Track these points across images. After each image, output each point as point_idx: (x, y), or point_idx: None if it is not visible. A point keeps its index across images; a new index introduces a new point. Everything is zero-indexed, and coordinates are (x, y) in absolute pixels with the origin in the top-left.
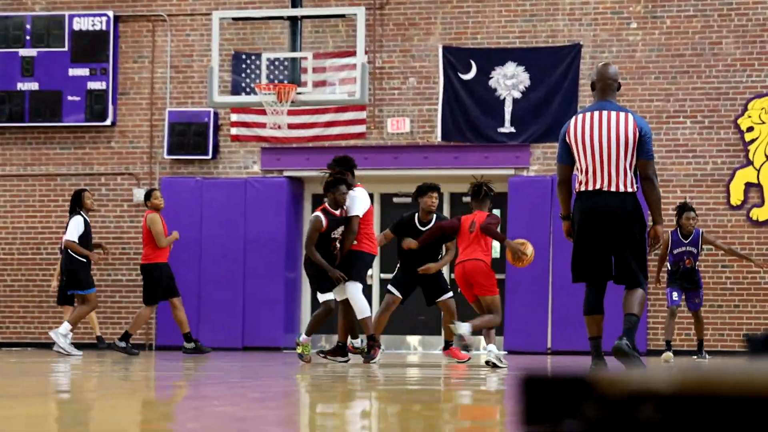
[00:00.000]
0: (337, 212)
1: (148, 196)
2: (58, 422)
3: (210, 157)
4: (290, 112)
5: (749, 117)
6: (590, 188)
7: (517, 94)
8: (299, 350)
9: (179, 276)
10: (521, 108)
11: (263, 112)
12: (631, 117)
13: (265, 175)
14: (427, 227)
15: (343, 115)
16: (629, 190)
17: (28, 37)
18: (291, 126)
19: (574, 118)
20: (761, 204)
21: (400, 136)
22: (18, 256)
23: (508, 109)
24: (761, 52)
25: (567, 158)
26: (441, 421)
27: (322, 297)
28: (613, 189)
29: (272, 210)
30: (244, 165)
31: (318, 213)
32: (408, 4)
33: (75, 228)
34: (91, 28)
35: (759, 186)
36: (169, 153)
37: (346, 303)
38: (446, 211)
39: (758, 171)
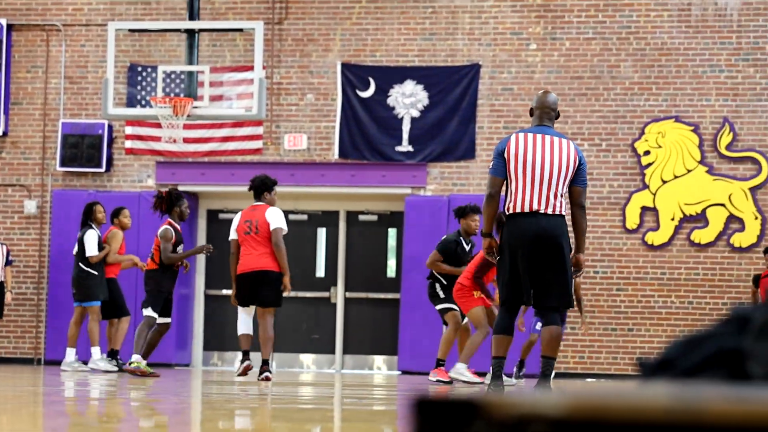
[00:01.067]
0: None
1: (116, 213)
2: None
3: (104, 169)
4: (186, 126)
5: (646, 141)
6: (525, 209)
7: (416, 113)
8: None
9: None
10: (419, 127)
11: (159, 126)
12: (571, 144)
13: (159, 189)
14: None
15: (239, 131)
16: (563, 213)
17: None
18: (186, 140)
19: (514, 135)
20: (656, 228)
21: (297, 153)
22: None
23: (406, 127)
24: (659, 76)
25: (502, 171)
26: None
27: (150, 313)
28: (549, 212)
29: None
30: (138, 178)
31: (167, 226)
32: (307, 19)
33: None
34: None
35: (655, 210)
36: (62, 165)
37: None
38: (341, 229)
39: (654, 195)
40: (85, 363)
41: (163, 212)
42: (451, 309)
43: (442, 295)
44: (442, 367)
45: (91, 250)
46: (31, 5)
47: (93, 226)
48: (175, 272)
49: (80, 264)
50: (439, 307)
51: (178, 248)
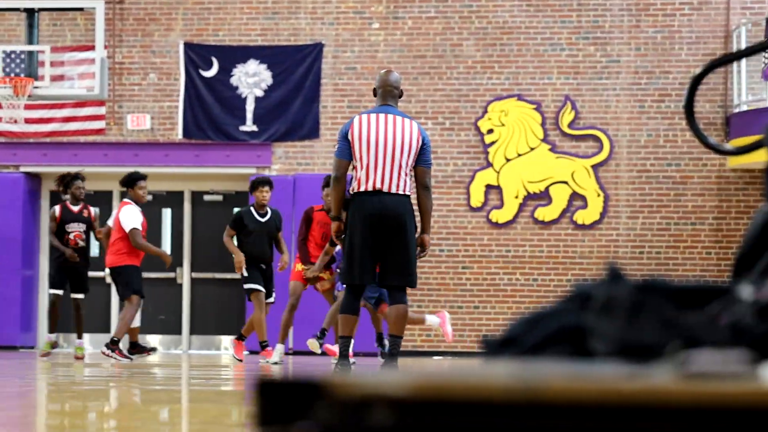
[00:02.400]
0: (76, 208)
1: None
2: None
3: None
4: (27, 107)
5: (489, 119)
6: (369, 188)
7: (260, 93)
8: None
9: None
10: (263, 106)
11: None
12: (415, 124)
13: (0, 170)
14: (265, 219)
15: (81, 111)
16: (407, 192)
17: None
18: (28, 120)
19: (357, 116)
20: (501, 206)
21: (141, 133)
22: None
23: (250, 107)
24: (501, 54)
25: (347, 154)
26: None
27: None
28: (393, 190)
29: (8, 206)
30: None
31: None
32: None
33: None
34: None
35: (498, 188)
36: None
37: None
38: (186, 209)
39: (498, 173)
40: None
41: (60, 193)
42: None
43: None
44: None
45: None
46: None
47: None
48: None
49: None
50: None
51: (67, 227)
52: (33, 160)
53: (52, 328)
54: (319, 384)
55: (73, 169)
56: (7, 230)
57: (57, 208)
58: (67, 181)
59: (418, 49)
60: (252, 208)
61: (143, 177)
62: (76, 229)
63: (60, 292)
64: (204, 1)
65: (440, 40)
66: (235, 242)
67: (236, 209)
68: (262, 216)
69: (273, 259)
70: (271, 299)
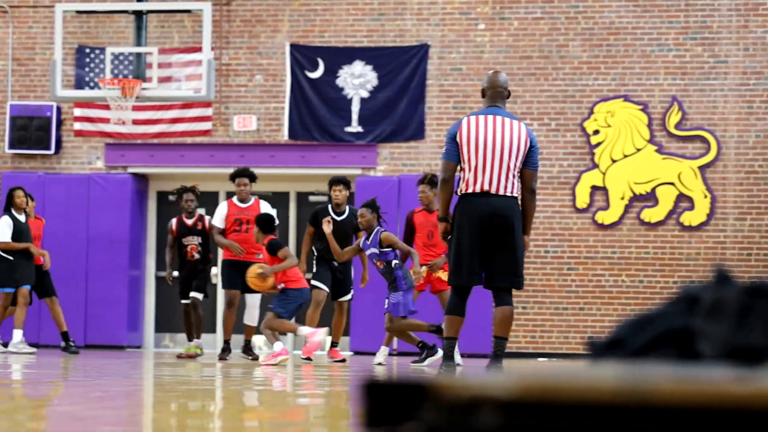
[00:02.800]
0: (189, 221)
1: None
2: None
3: (53, 152)
4: (135, 108)
5: (595, 120)
6: (477, 189)
7: (365, 94)
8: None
9: None
10: (369, 107)
11: (107, 107)
12: (523, 126)
13: (108, 171)
14: (341, 218)
15: (188, 112)
16: (515, 194)
17: None
18: (135, 122)
19: (466, 118)
20: (606, 207)
21: (247, 134)
22: None
23: (355, 108)
24: (607, 55)
25: (455, 156)
26: (284, 421)
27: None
28: (500, 192)
29: (116, 207)
30: (87, 161)
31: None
32: (255, 0)
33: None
34: None
35: (604, 189)
36: (11, 147)
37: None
38: (292, 210)
39: (604, 174)
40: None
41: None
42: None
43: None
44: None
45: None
46: None
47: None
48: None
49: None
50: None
51: (183, 240)
52: (140, 161)
53: (193, 335)
54: (426, 386)
55: (179, 171)
56: (115, 231)
57: (173, 222)
58: (179, 194)
59: (524, 50)
60: (329, 207)
61: (239, 174)
62: (191, 242)
63: (188, 301)
64: (310, 3)
65: (546, 40)
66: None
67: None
68: (339, 215)
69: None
70: (347, 297)
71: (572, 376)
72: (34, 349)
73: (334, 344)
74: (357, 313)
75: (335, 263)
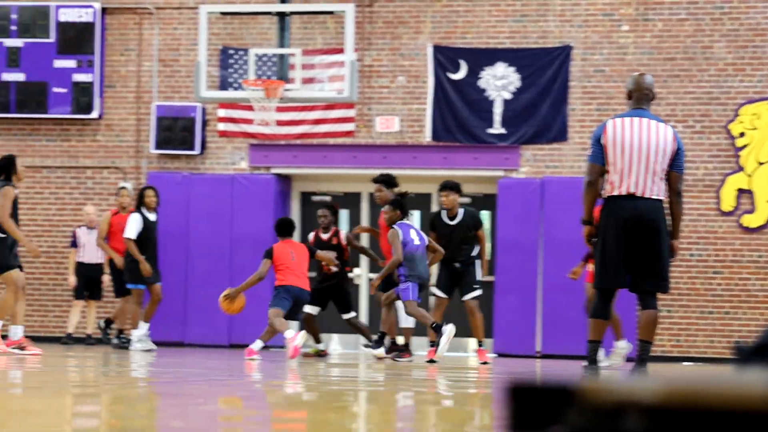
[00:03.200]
0: (325, 236)
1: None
2: (40, 417)
3: (197, 152)
4: (278, 109)
5: (741, 122)
6: (622, 192)
7: (507, 95)
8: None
9: (166, 271)
10: (511, 109)
11: (251, 108)
12: (669, 129)
13: (252, 171)
14: (454, 221)
15: (331, 113)
16: (661, 197)
17: (13, 27)
18: (279, 123)
19: (611, 120)
20: (752, 210)
21: (389, 135)
22: None
23: (497, 109)
24: (753, 57)
25: (600, 158)
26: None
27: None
28: (647, 195)
29: (259, 207)
30: (231, 161)
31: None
32: (398, 2)
33: (134, 224)
34: (77, 20)
35: (750, 192)
36: (156, 147)
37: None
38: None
39: (750, 177)
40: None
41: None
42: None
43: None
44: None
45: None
46: None
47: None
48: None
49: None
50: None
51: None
52: (284, 161)
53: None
54: (572, 389)
55: (321, 171)
56: (259, 231)
57: (311, 236)
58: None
59: (668, 52)
60: (443, 212)
61: (377, 179)
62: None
63: (313, 310)
64: (453, 4)
65: (691, 42)
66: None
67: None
68: (452, 219)
69: (471, 257)
70: (471, 294)
71: (719, 382)
72: (154, 346)
73: (479, 344)
74: (501, 315)
75: (457, 264)
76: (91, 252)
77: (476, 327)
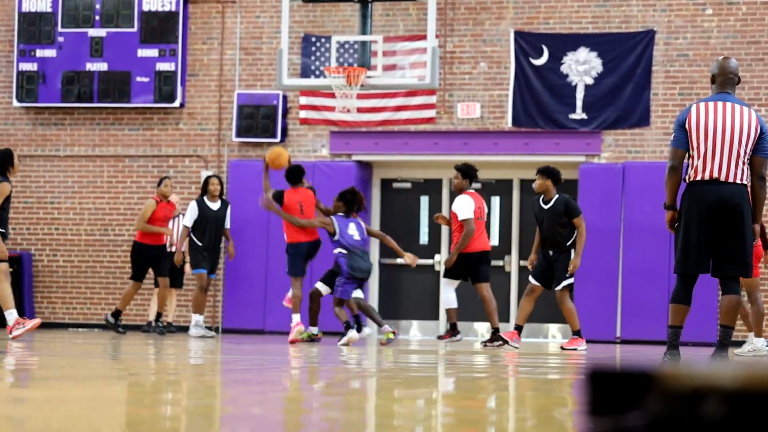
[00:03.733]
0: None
1: (159, 183)
2: (122, 405)
3: (279, 140)
4: (359, 96)
5: None
6: (705, 177)
7: (589, 80)
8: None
9: (246, 260)
10: (593, 94)
11: (332, 96)
12: (753, 112)
13: (333, 159)
14: (547, 206)
15: (412, 100)
16: (744, 182)
17: (97, 17)
18: (360, 110)
19: (695, 104)
20: None
21: (470, 122)
22: (85, 237)
23: (579, 95)
24: None
25: (684, 143)
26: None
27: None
28: (730, 180)
29: None
30: (312, 148)
31: None
32: None
33: (189, 212)
34: (160, 9)
35: None
36: (238, 135)
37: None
38: (515, 197)
39: None
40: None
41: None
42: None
43: None
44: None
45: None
46: None
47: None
48: None
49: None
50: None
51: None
52: (365, 148)
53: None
54: (651, 375)
55: (403, 158)
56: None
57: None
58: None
59: (752, 35)
60: (540, 196)
61: (456, 167)
62: None
63: (323, 290)
64: None
65: None
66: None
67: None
68: (546, 203)
69: (565, 245)
70: (561, 285)
71: None
72: (213, 333)
73: (575, 333)
74: (581, 301)
75: (550, 252)
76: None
77: (569, 316)
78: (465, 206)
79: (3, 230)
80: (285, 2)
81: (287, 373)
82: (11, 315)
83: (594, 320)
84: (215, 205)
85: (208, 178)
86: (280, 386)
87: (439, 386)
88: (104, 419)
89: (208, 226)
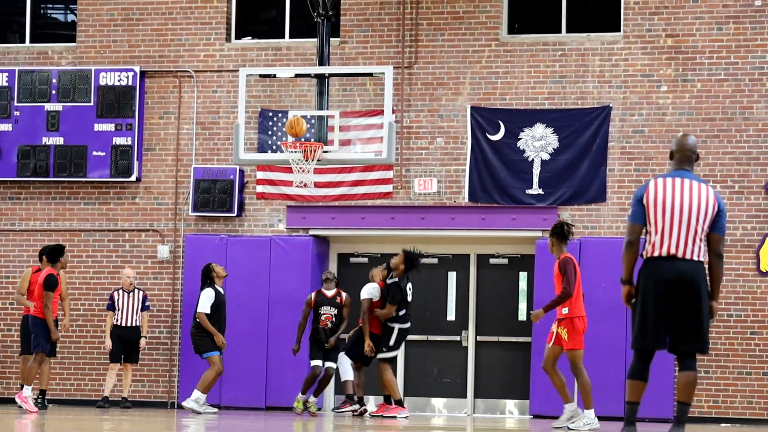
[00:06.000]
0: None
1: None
2: None
3: (235, 214)
4: (316, 171)
5: None
6: (663, 253)
7: (546, 156)
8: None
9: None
10: (549, 170)
11: (289, 170)
12: (711, 190)
13: (290, 233)
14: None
15: (369, 174)
16: (701, 259)
17: (53, 92)
18: (317, 184)
19: (653, 180)
20: None
21: (428, 196)
22: None
23: (536, 170)
24: None
25: (641, 218)
26: None
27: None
28: (687, 257)
29: (297, 269)
30: (269, 223)
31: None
32: (436, 63)
33: (207, 299)
34: (117, 83)
35: None
36: (195, 210)
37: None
38: (472, 273)
39: None
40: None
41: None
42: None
43: None
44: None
45: (203, 306)
46: (163, 52)
47: (214, 285)
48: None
49: (197, 321)
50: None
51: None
52: (322, 223)
53: (305, 390)
54: None
55: (360, 233)
56: (297, 292)
57: (312, 295)
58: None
59: (707, 112)
60: None
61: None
62: (327, 312)
63: (319, 363)
64: (491, 66)
65: (730, 102)
66: None
67: None
68: None
69: None
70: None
71: None
72: (215, 410)
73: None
74: (537, 376)
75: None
76: (129, 315)
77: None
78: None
79: None
80: (242, 77)
81: None
82: None
83: (551, 395)
84: (221, 290)
85: (210, 264)
86: None
87: None
88: None
89: (221, 311)
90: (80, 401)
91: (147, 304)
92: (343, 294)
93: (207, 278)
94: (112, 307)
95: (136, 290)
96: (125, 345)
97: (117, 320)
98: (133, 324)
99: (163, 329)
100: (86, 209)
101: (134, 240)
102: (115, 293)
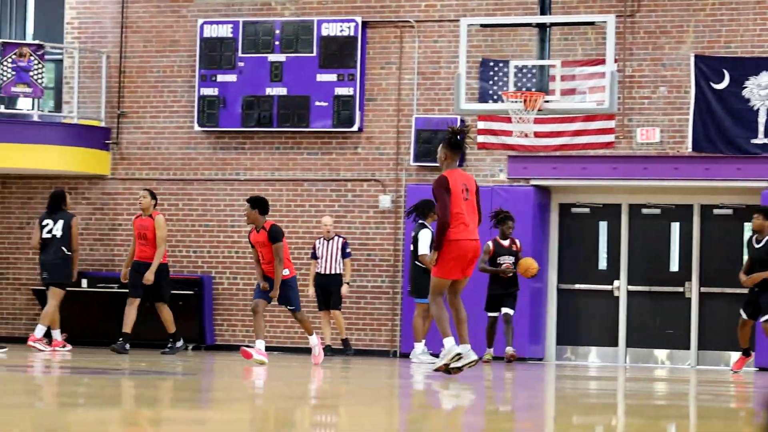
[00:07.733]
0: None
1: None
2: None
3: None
4: (537, 121)
5: None
6: None
7: None
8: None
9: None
10: None
11: (510, 120)
12: None
13: (511, 183)
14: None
15: (591, 124)
16: None
17: (277, 43)
18: (538, 134)
19: None
20: None
21: (650, 146)
22: None
23: (762, 119)
24: None
25: None
26: None
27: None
28: None
29: (519, 218)
30: (490, 173)
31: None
32: (659, 11)
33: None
34: (339, 34)
35: None
36: (416, 160)
37: None
38: (695, 224)
39: None
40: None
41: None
42: None
43: None
44: None
45: (423, 248)
46: (385, 2)
47: (426, 224)
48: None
49: (415, 262)
50: None
51: (498, 259)
52: (543, 173)
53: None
54: None
55: (581, 183)
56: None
57: (490, 243)
58: (499, 218)
59: None
60: (754, 235)
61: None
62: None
63: (495, 314)
64: (716, 13)
65: None
66: None
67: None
68: (758, 243)
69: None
70: (763, 318)
71: None
72: (434, 359)
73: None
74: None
75: (756, 288)
76: (329, 263)
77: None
78: None
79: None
80: (463, 27)
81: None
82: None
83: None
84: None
85: (429, 201)
86: (462, 412)
87: (620, 414)
88: None
89: None
90: (292, 348)
91: (348, 250)
92: (518, 241)
93: (424, 213)
94: (314, 255)
95: (336, 237)
96: (324, 292)
97: (319, 268)
98: (335, 272)
99: (385, 278)
100: (309, 159)
101: (356, 190)
102: (317, 242)
